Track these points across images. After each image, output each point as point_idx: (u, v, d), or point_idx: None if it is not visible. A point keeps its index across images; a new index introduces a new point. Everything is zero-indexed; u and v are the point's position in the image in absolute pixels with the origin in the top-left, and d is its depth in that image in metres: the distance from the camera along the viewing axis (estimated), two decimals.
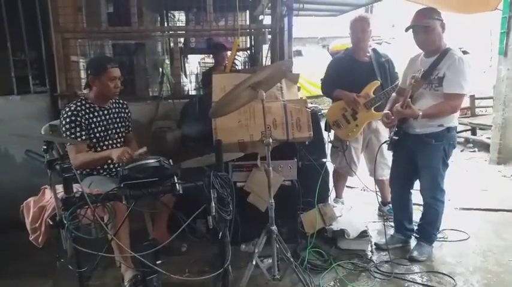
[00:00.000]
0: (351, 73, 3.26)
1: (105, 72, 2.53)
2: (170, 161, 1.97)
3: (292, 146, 2.89)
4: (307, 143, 2.89)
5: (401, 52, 2.94)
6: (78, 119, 2.51)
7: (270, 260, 2.31)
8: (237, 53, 4.46)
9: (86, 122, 2.55)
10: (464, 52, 2.65)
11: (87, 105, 2.60)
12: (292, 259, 2.32)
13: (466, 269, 2.61)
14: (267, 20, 4.05)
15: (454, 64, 2.47)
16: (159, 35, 4.11)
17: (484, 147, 5.60)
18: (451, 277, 2.50)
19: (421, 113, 2.47)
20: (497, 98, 5.13)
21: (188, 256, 2.78)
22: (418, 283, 2.47)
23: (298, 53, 10.92)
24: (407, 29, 2.60)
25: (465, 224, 3.26)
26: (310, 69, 9.61)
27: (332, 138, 3.52)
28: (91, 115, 2.59)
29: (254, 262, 2.28)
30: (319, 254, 2.80)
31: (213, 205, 1.84)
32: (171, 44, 4.57)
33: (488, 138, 5.48)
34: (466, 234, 3.08)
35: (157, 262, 1.96)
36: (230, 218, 1.99)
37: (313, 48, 13.11)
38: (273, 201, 2.28)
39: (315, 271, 2.59)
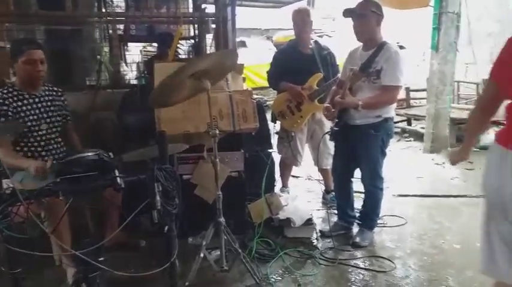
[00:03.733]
0: (295, 64, 3.31)
1: (22, 54, 2.35)
2: (110, 154, 1.87)
3: (239, 137, 2.87)
4: (253, 134, 2.90)
5: (342, 45, 3.03)
6: (4, 107, 2.33)
7: (218, 252, 2.30)
8: (180, 42, 4.34)
9: (14, 110, 2.37)
10: (401, 47, 2.78)
11: (15, 93, 2.41)
12: (239, 250, 2.31)
13: (404, 252, 2.76)
14: (210, 9, 3.99)
15: (390, 57, 2.58)
16: (96, 21, 3.89)
17: (419, 137, 5.94)
18: (390, 261, 2.63)
19: (360, 103, 2.56)
20: (430, 91, 5.45)
21: (140, 252, 2.71)
22: (361, 268, 2.57)
23: (243, 44, 10.87)
24: (343, 14, 2.71)
25: (403, 210, 3.44)
26: (255, 60, 9.63)
27: (278, 129, 3.57)
28: (19, 103, 2.40)
29: (202, 255, 2.25)
30: (266, 243, 2.82)
31: (158, 199, 1.77)
32: (110, 31, 4.33)
33: (423, 128, 5.80)
34: (404, 219, 3.26)
35: (100, 259, 1.86)
36: (176, 211, 1.93)
37: (257, 40, 13.12)
38: (220, 193, 2.26)
39: (263, 260, 2.61)
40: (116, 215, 2.61)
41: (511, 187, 1.46)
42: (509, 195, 1.46)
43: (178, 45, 3.96)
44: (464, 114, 5.06)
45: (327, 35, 12.83)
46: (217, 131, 2.21)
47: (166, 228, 1.99)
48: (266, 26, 14.18)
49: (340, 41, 7.79)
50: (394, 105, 2.77)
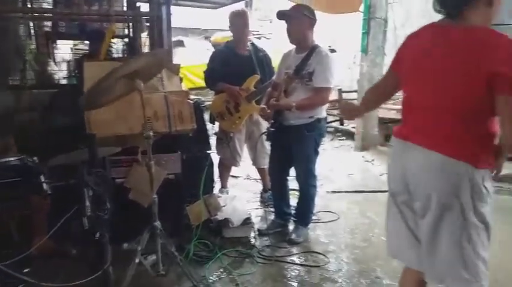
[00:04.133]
0: (232, 66, 3.33)
1: None
2: (35, 158, 1.77)
3: (176, 138, 2.84)
4: (190, 135, 2.88)
5: (280, 47, 3.11)
6: None
7: (155, 257, 2.26)
8: (113, 41, 4.19)
9: None
10: (332, 50, 2.92)
11: None
12: (176, 253, 2.29)
13: (337, 246, 2.89)
14: (145, 7, 3.89)
15: (322, 60, 2.69)
16: (20, 17, 3.65)
17: (350, 135, 6.23)
18: (324, 255, 2.75)
19: (294, 105, 2.65)
20: (360, 92, 5.72)
21: (71, 260, 2.56)
22: (296, 264, 2.66)
23: (181, 44, 10.72)
24: (277, 16, 2.80)
25: (336, 206, 3.60)
26: (193, 60, 9.52)
27: (216, 130, 3.57)
28: None
29: (137, 260, 2.20)
30: (204, 245, 2.82)
31: (88, 204, 1.71)
32: (36, 28, 4.08)
33: (354, 127, 6.09)
34: (337, 215, 3.40)
35: (25, 270, 1.76)
36: (107, 217, 1.87)
37: (196, 39, 12.99)
38: (155, 196, 2.22)
39: (201, 262, 2.61)
40: (42, 223, 2.47)
41: (412, 170, 1.58)
42: (412, 179, 1.58)
43: (110, 43, 3.83)
44: (391, 114, 5.37)
45: (264, 37, 13.02)
46: (151, 133, 2.17)
47: (97, 234, 1.93)
48: (205, 26, 14.08)
49: (278, 43, 7.97)
50: (326, 106, 2.89)
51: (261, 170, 3.63)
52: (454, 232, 1.51)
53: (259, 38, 12.39)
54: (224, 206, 3.09)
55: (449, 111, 1.50)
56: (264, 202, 3.65)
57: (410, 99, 1.66)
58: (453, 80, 1.47)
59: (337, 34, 7.83)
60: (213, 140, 3.54)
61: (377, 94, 1.93)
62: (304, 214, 3.03)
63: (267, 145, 3.23)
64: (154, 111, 2.65)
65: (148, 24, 3.45)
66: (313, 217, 3.24)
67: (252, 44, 3.51)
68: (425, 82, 1.55)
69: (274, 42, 9.42)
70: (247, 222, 2.98)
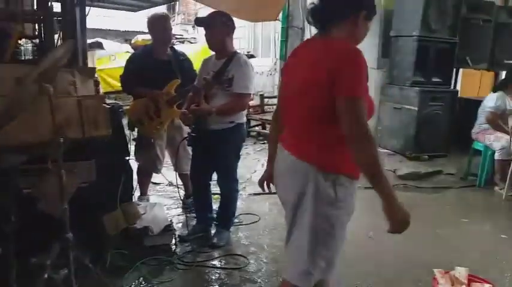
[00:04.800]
0: (151, 71, 3.27)
1: None
2: None
3: (90, 145, 2.72)
4: (106, 141, 2.78)
5: (204, 51, 3.12)
6: None
7: (67, 270, 2.15)
8: (21, 42, 3.90)
9: None
10: (251, 56, 3.01)
11: None
12: (90, 265, 2.20)
13: (257, 248, 2.97)
14: (57, 7, 3.68)
15: (240, 67, 2.76)
16: None
17: None
18: (245, 257, 2.81)
19: (214, 109, 2.69)
20: None
21: None
22: (217, 267, 2.69)
23: (99, 46, 10.27)
24: (195, 23, 2.87)
25: (258, 208, 3.70)
26: (112, 63, 9.18)
27: (136, 135, 3.48)
28: None
29: (46, 275, 2.07)
30: (123, 255, 2.72)
31: None
32: None
33: None
34: (257, 216, 3.50)
35: None
36: (12, 230, 1.75)
37: (115, 42, 12.52)
38: (67, 207, 2.12)
39: (119, 273, 2.52)
40: None
41: (276, 172, 1.69)
42: (275, 180, 1.73)
43: (17, 44, 3.56)
44: None
45: (189, 41, 12.96)
46: (61, 140, 2.07)
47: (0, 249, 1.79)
48: (125, 28, 13.64)
49: (202, 47, 7.98)
50: (245, 111, 2.96)
51: (183, 176, 3.61)
52: (300, 231, 1.57)
53: (182, 42, 12.30)
54: (144, 214, 3.02)
55: (304, 117, 1.58)
56: (186, 208, 3.63)
57: (284, 106, 1.75)
58: (308, 86, 1.52)
59: (260, 40, 8.04)
60: (132, 146, 3.45)
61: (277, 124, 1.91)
62: (226, 217, 3.08)
63: (190, 150, 3.22)
64: (65, 117, 2.52)
65: (60, 25, 3.27)
66: (235, 220, 3.30)
67: (172, 48, 3.49)
68: (292, 89, 1.64)
69: (199, 47, 9.45)
70: (168, 229, 2.93)
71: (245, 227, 3.30)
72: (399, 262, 2.86)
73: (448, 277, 2.49)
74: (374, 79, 6.09)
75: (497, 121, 4.49)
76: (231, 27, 2.86)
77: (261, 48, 7.69)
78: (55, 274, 2.16)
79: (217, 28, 2.76)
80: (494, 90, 4.67)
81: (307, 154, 1.55)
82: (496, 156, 4.44)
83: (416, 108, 5.19)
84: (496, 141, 4.45)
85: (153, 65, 3.31)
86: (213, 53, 2.94)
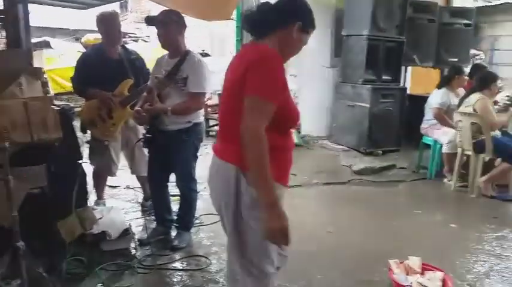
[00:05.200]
0: (102, 70, 3.17)
1: None
2: None
3: (40, 149, 2.59)
4: (57, 144, 2.66)
5: (158, 51, 3.06)
6: None
7: (20, 281, 2.04)
8: None
9: None
10: (206, 54, 2.99)
11: None
12: (44, 274, 2.10)
13: (218, 247, 2.95)
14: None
15: (194, 66, 2.73)
16: None
17: None
18: (206, 257, 2.79)
19: (169, 109, 2.64)
20: None
21: None
22: (179, 270, 2.66)
23: (47, 45, 9.80)
24: (146, 22, 2.83)
25: None
26: (62, 62, 8.80)
27: (89, 138, 3.36)
28: None
29: None
30: (80, 261, 2.63)
31: None
32: None
33: None
34: (219, 216, 3.47)
35: None
36: None
37: (64, 40, 12.00)
38: (16, 214, 2.01)
39: (76, 280, 2.44)
40: None
41: (218, 190, 1.63)
42: (209, 184, 1.70)
43: None
44: None
45: (143, 40, 12.64)
46: (7, 144, 1.96)
47: None
48: (75, 26, 13.10)
49: (157, 46, 7.80)
50: (202, 110, 2.94)
51: (140, 178, 3.53)
52: (229, 237, 1.60)
53: (136, 41, 11.99)
54: (100, 218, 2.93)
55: (226, 118, 1.62)
56: (145, 211, 3.56)
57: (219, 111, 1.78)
58: (232, 90, 1.57)
59: (214, 40, 8.01)
60: (85, 149, 3.33)
61: None
62: (186, 218, 3.04)
63: (145, 151, 3.15)
64: (11, 120, 2.39)
65: (1, 23, 3.09)
66: (196, 221, 3.27)
67: (123, 47, 3.40)
68: (223, 94, 1.69)
69: (153, 45, 9.23)
70: (126, 233, 2.86)
71: (207, 228, 3.27)
72: (357, 255, 2.95)
73: (403, 267, 2.61)
74: (327, 78, 6.26)
75: (443, 117, 4.74)
76: (183, 26, 2.82)
77: (217, 47, 7.68)
78: (7, 285, 2.05)
79: (169, 26, 2.72)
80: (438, 87, 4.93)
81: (230, 155, 1.54)
82: (444, 149, 4.69)
83: (368, 105, 5.38)
84: (443, 135, 4.70)
85: (104, 64, 3.21)
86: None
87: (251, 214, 1.50)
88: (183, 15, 2.88)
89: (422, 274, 2.57)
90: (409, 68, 6.39)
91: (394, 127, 5.64)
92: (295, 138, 5.72)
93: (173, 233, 3.09)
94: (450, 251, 3.06)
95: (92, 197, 3.46)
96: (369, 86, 5.42)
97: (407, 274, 2.56)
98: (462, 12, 6.25)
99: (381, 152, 5.51)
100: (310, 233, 3.18)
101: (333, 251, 3.00)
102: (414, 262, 2.64)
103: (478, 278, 2.69)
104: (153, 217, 3.25)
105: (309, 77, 6.14)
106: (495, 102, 4.77)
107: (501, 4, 7.80)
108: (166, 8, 2.92)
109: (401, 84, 5.98)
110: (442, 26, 6.03)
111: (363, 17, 5.40)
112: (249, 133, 1.40)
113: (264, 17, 1.61)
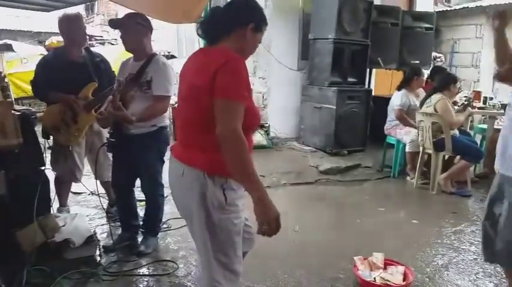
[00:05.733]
0: (65, 73, 3.10)
1: None
2: None
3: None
4: (17, 151, 2.59)
5: (125, 54, 3.01)
6: None
7: None
8: None
9: None
10: (172, 56, 2.97)
11: None
12: (3, 285, 2.04)
13: (186, 252, 2.94)
14: None
15: (159, 68, 2.71)
16: None
17: None
18: (173, 262, 2.78)
19: (134, 119, 2.57)
20: None
21: None
22: (145, 275, 2.64)
23: (8, 48, 9.47)
24: (109, 25, 2.79)
25: None
26: (24, 66, 8.54)
27: (51, 143, 3.28)
28: None
29: None
30: (42, 271, 2.56)
31: None
32: None
33: None
34: None
35: None
36: None
37: (27, 43, 11.62)
38: None
39: None
40: None
41: (170, 181, 1.73)
42: (171, 189, 1.76)
43: None
44: None
45: (110, 43, 12.40)
46: None
47: None
48: (38, 29, 12.72)
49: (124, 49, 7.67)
50: (167, 114, 2.92)
51: (105, 184, 3.47)
52: (198, 240, 1.63)
53: (103, 44, 11.75)
54: (63, 226, 2.86)
55: (190, 123, 1.64)
56: (111, 217, 3.48)
57: (175, 115, 1.80)
58: (193, 93, 1.59)
59: (183, 42, 7.96)
60: (48, 155, 3.24)
61: None
62: (153, 223, 3.01)
63: (109, 156, 3.10)
64: None
65: None
66: (163, 226, 3.25)
67: (87, 49, 3.33)
68: (180, 99, 1.72)
69: (120, 48, 9.05)
70: (90, 240, 2.81)
71: (174, 232, 3.25)
72: (324, 253, 3.01)
73: (367, 263, 2.69)
74: (295, 81, 6.35)
75: (404, 117, 4.91)
76: (148, 28, 2.79)
77: (185, 49, 7.62)
78: None
79: (134, 29, 2.69)
80: (398, 89, 5.10)
81: (196, 160, 1.58)
82: (407, 148, 4.86)
83: (334, 107, 5.48)
84: (405, 135, 4.87)
85: (67, 68, 3.14)
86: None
87: (221, 215, 1.55)
88: (149, 18, 2.86)
89: (385, 269, 2.65)
90: (374, 70, 6.56)
91: (359, 128, 5.77)
92: (264, 140, 5.78)
93: (140, 238, 3.05)
94: (412, 246, 3.18)
95: (55, 205, 3.38)
96: (335, 88, 5.52)
97: (371, 270, 2.64)
98: (423, 16, 6.47)
99: (347, 152, 5.64)
100: (278, 234, 3.21)
101: (300, 251, 3.05)
102: (377, 257, 2.72)
103: (437, 271, 2.80)
104: (119, 223, 3.20)
105: (277, 79, 6.21)
106: (454, 103, 4.99)
107: (460, 9, 8.12)
108: (132, 11, 2.89)
109: (367, 86, 6.12)
110: (405, 30, 6.22)
111: (329, 20, 5.49)
112: (229, 136, 1.45)
113: (217, 23, 1.64)
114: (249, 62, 1.67)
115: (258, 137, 5.59)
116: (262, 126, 5.91)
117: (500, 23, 2.26)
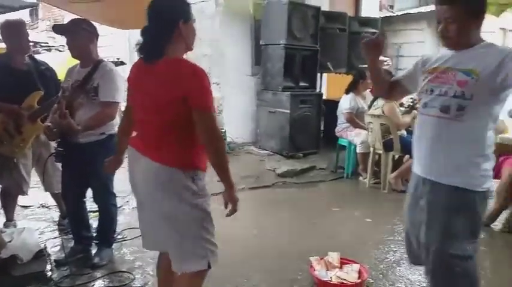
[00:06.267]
0: (7, 82, 2.96)
1: None
2: None
3: None
4: None
5: (73, 60, 2.90)
6: None
7: None
8: None
9: None
10: (121, 63, 2.91)
11: None
12: None
13: (142, 262, 2.88)
14: None
15: (105, 74, 2.65)
16: None
17: None
18: (130, 273, 2.71)
19: (80, 128, 2.50)
20: None
21: None
22: None
23: None
24: (54, 30, 2.75)
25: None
26: None
27: None
28: None
29: None
30: None
31: None
32: None
33: None
34: None
35: None
36: None
37: None
38: None
39: None
40: None
41: (139, 177, 1.85)
42: (137, 183, 1.88)
43: None
44: None
45: (57, 49, 11.89)
46: None
47: None
48: None
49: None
50: (116, 121, 2.83)
51: (55, 195, 3.33)
52: (182, 225, 1.78)
53: (49, 51, 11.25)
54: (10, 241, 2.72)
55: (164, 128, 1.76)
56: (62, 230, 3.35)
57: (138, 119, 1.90)
58: (166, 105, 1.72)
59: (133, 48, 7.79)
60: None
61: (124, 137, 2.13)
62: (106, 234, 2.93)
63: (58, 167, 2.98)
64: None
65: None
66: (118, 236, 3.16)
67: (31, 57, 3.20)
68: (145, 104, 1.80)
69: (68, 55, 8.70)
70: (40, 255, 2.69)
71: (130, 243, 3.17)
72: (281, 255, 3.05)
73: (323, 263, 2.76)
74: (249, 86, 6.41)
75: (354, 119, 5.10)
76: (94, 34, 2.73)
77: (137, 56, 7.45)
78: None
79: (79, 35, 2.62)
80: (346, 92, 5.30)
81: (170, 159, 1.74)
82: (358, 150, 5.04)
83: (288, 111, 5.60)
84: (356, 136, 5.05)
85: (10, 76, 3.00)
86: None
87: (198, 199, 1.77)
88: (94, 23, 2.79)
89: (340, 268, 2.73)
90: (325, 75, 6.75)
91: (312, 131, 5.93)
92: None
93: (94, 250, 2.95)
94: (366, 244, 3.29)
95: (1, 219, 3.20)
96: (288, 92, 5.64)
97: (327, 269, 2.70)
98: (369, 21, 6.76)
99: (302, 154, 5.76)
100: (237, 238, 3.23)
101: (258, 254, 3.07)
102: (333, 257, 2.80)
103: (389, 267, 2.93)
104: (71, 236, 3.08)
105: (232, 85, 6.24)
106: (401, 105, 5.23)
107: (402, 14, 8.56)
108: (78, 17, 2.81)
109: (318, 90, 6.30)
110: (352, 35, 6.46)
111: (279, 27, 5.61)
112: (218, 144, 1.74)
113: (156, 40, 1.74)
114: (204, 68, 1.74)
115: None
116: None
117: (373, 53, 2.00)
